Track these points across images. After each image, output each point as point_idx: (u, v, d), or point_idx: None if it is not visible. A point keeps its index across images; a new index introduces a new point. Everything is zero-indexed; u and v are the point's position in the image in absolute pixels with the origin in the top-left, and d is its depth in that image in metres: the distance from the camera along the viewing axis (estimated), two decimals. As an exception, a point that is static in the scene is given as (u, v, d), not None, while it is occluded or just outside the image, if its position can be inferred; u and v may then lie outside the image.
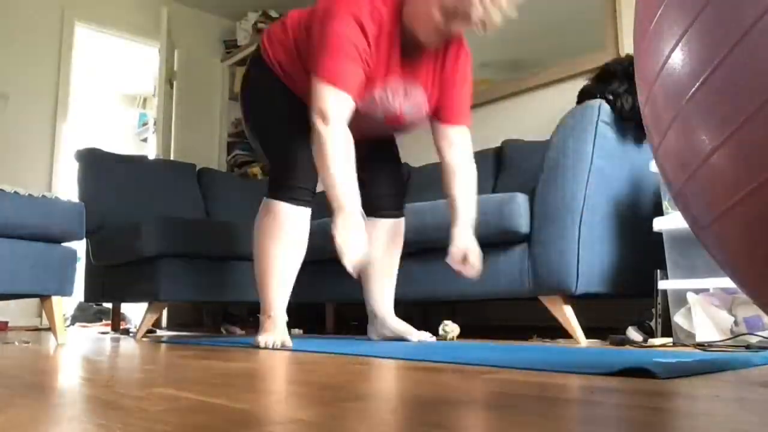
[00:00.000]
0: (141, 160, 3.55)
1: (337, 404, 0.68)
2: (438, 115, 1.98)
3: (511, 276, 2.10)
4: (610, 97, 2.13)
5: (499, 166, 2.99)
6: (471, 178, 2.00)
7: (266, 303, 1.88)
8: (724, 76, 0.52)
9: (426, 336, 2.07)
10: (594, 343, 2.01)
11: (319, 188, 1.92)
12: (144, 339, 2.52)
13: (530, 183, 2.76)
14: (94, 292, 3.14)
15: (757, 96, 0.50)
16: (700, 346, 1.71)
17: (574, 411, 0.64)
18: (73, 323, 4.32)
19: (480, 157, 3.07)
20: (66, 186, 4.25)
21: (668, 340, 1.86)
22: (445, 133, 1.99)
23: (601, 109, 2.02)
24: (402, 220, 2.18)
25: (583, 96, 2.43)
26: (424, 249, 2.33)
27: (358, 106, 1.76)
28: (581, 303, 2.25)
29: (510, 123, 3.30)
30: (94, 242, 3.00)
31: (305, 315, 3.56)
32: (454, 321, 2.44)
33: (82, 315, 4.39)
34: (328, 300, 2.81)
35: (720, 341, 1.72)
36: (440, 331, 2.24)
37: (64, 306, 2.29)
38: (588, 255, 1.99)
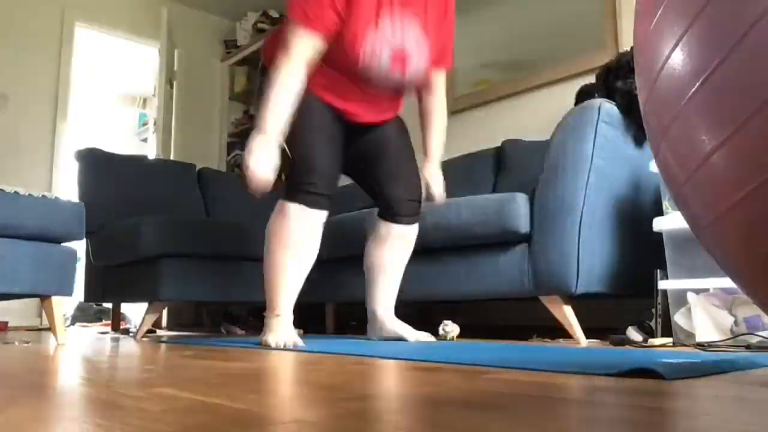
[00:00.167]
0: (141, 160, 3.55)
1: (337, 404, 0.68)
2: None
3: (511, 276, 2.10)
4: (619, 85, 2.14)
5: (499, 166, 2.99)
6: (444, 122, 2.14)
7: (273, 302, 1.88)
8: (724, 76, 0.52)
9: (424, 336, 2.07)
10: (594, 343, 2.01)
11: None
12: (144, 339, 2.52)
13: (530, 183, 2.77)
14: (94, 292, 3.14)
15: (757, 96, 0.50)
16: (700, 346, 1.71)
17: (574, 411, 0.64)
18: (73, 323, 4.32)
19: (480, 157, 3.08)
20: (66, 186, 4.25)
21: (668, 340, 1.86)
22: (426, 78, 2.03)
23: (601, 109, 2.02)
24: (416, 228, 2.16)
25: (582, 96, 2.44)
26: (424, 249, 2.33)
27: (360, 60, 1.83)
28: (581, 303, 2.25)
29: (510, 123, 3.30)
30: (94, 242, 3.00)
31: (305, 315, 3.56)
32: (454, 321, 2.44)
33: (82, 315, 4.39)
34: (328, 300, 2.81)
35: (720, 341, 1.72)
36: (440, 331, 2.24)
37: (64, 306, 2.29)
38: (588, 255, 1.99)
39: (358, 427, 0.55)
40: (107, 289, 3.01)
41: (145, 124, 6.01)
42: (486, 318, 3.12)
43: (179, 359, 1.37)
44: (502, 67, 3.37)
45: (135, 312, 4.25)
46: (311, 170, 1.88)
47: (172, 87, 4.58)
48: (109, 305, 4.00)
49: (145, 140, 5.90)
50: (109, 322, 3.57)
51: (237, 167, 4.97)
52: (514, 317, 3.00)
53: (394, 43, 1.86)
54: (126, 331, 3.27)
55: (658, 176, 2.12)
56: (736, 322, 1.80)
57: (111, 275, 2.97)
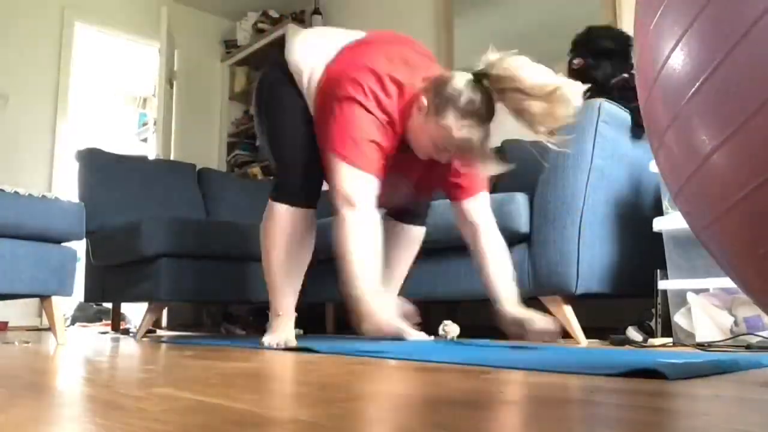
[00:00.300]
0: (141, 160, 3.55)
1: (337, 404, 0.68)
2: (447, 193, 1.94)
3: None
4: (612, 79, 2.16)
5: (499, 166, 2.99)
6: (502, 252, 1.86)
7: (275, 303, 1.89)
8: (724, 76, 0.52)
9: (422, 335, 2.05)
10: (594, 343, 2.01)
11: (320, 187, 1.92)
12: (144, 339, 2.52)
13: (530, 183, 2.77)
14: (94, 292, 3.14)
15: (757, 96, 0.50)
16: (700, 346, 1.71)
17: (574, 411, 0.64)
18: (73, 323, 4.32)
19: (480, 157, 3.08)
20: (66, 186, 4.25)
21: (668, 340, 1.86)
22: (460, 210, 1.91)
23: (601, 108, 2.02)
24: (423, 229, 2.13)
25: (579, 75, 2.43)
26: (424, 249, 2.33)
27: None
28: (581, 303, 2.25)
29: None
30: (94, 242, 3.00)
31: (305, 315, 3.55)
32: (454, 321, 2.44)
33: (82, 315, 4.39)
34: (328, 300, 2.81)
35: (720, 341, 1.72)
36: (440, 331, 2.24)
37: (64, 306, 2.29)
38: (588, 255, 1.99)
39: (357, 427, 0.55)
40: (107, 289, 3.01)
41: (145, 124, 6.01)
42: (486, 318, 3.12)
43: (179, 359, 1.37)
44: (502, 67, 3.36)
45: (135, 312, 4.25)
46: (298, 171, 1.86)
47: (172, 87, 4.58)
48: (109, 305, 4.00)
49: (145, 140, 5.90)
50: (109, 322, 3.56)
51: (237, 167, 4.98)
52: (514, 317, 3.00)
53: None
54: (126, 331, 3.27)
55: (658, 176, 2.12)
56: (736, 322, 1.80)
57: (111, 275, 2.97)
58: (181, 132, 4.80)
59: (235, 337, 2.76)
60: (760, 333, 1.70)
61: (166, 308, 3.99)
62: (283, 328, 1.86)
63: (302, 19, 4.81)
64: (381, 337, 2.00)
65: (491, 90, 1.66)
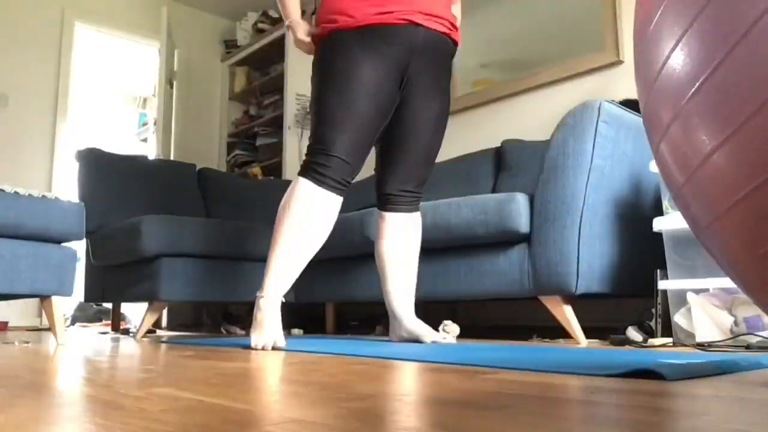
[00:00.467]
0: (141, 160, 3.55)
1: (337, 404, 0.68)
2: None
3: (511, 276, 2.10)
4: None
5: (499, 166, 2.99)
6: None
7: (265, 280, 1.80)
8: (724, 76, 0.52)
9: (439, 337, 1.98)
10: (594, 343, 2.01)
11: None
12: (144, 339, 2.52)
13: (530, 183, 2.77)
14: (94, 292, 3.14)
15: (758, 96, 0.50)
16: (700, 346, 1.71)
17: (574, 411, 0.64)
18: (73, 323, 4.32)
19: (480, 157, 3.08)
20: (66, 186, 4.25)
21: (668, 340, 1.86)
22: None
23: (601, 108, 2.02)
24: (417, 214, 2.08)
25: None
26: (424, 249, 2.33)
27: None
28: (581, 303, 2.25)
29: (510, 123, 3.30)
30: (94, 242, 3.01)
31: (305, 315, 3.56)
32: (454, 321, 2.44)
33: (82, 315, 4.39)
34: (328, 300, 2.81)
35: (720, 341, 1.72)
36: (440, 331, 2.24)
37: (64, 306, 2.29)
38: (588, 255, 1.99)
39: (358, 427, 0.55)
40: (107, 289, 3.01)
41: (145, 124, 6.01)
42: (486, 318, 3.12)
43: (179, 359, 1.37)
44: (502, 67, 3.37)
45: (135, 312, 4.26)
46: (332, 147, 1.80)
47: (172, 87, 4.58)
48: (109, 305, 4.01)
49: (145, 140, 5.91)
50: (109, 322, 3.57)
51: (237, 167, 4.98)
52: (514, 317, 3.00)
53: None
54: (126, 331, 3.27)
55: (658, 176, 2.12)
56: (736, 322, 1.80)
57: (111, 275, 2.97)
58: (181, 132, 4.81)
59: (235, 337, 2.75)
60: (760, 333, 1.70)
61: (166, 308, 3.99)
62: (267, 325, 1.75)
63: (302, 19, 4.81)
64: (404, 339, 1.97)
65: None
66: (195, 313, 4.10)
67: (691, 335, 1.84)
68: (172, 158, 4.34)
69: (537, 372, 1.04)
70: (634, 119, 2.17)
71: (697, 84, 0.55)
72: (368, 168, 3.46)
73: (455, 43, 2.04)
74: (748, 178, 0.53)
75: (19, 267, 2.00)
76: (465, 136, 3.49)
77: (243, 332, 3.29)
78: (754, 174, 0.52)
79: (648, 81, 0.65)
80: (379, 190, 2.07)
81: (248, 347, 1.75)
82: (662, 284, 1.96)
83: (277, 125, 4.68)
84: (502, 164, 2.97)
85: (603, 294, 2.10)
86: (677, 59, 0.58)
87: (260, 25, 4.92)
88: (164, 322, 4.02)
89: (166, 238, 2.55)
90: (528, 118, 3.22)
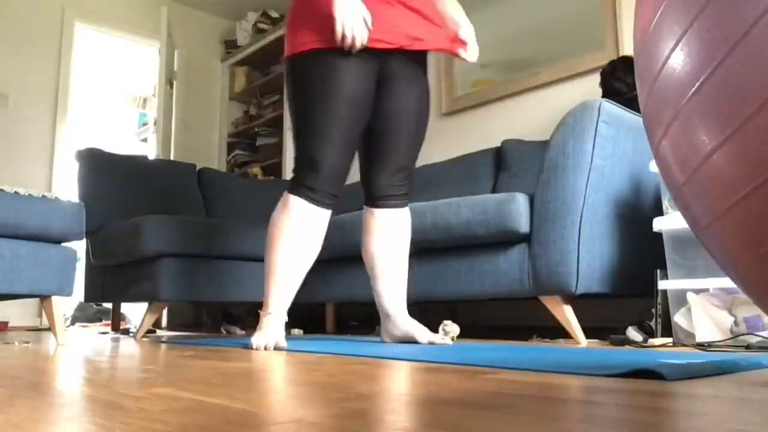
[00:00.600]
0: (141, 160, 3.55)
1: (337, 404, 0.68)
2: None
3: (511, 276, 2.10)
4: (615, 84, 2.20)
5: (499, 166, 2.99)
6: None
7: (267, 300, 1.83)
8: (724, 76, 0.52)
9: (437, 338, 1.99)
10: (594, 343, 2.01)
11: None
12: (144, 339, 2.52)
13: (530, 183, 2.77)
14: (94, 292, 3.14)
15: (758, 96, 0.50)
16: (700, 346, 1.71)
17: (574, 411, 0.64)
18: (73, 323, 4.32)
19: (480, 157, 3.08)
20: (66, 186, 4.25)
21: (668, 340, 1.86)
22: None
23: (601, 108, 2.02)
24: (406, 210, 2.04)
25: (603, 77, 2.55)
26: (425, 249, 2.33)
27: None
28: (581, 303, 2.25)
29: (510, 123, 3.30)
30: (94, 242, 3.01)
31: (305, 315, 3.56)
32: (454, 321, 2.44)
33: (82, 315, 4.40)
34: (328, 300, 2.81)
35: (720, 341, 1.72)
36: (440, 331, 2.24)
37: (64, 306, 2.29)
38: (588, 255, 1.99)
39: (358, 427, 0.55)
40: (107, 289, 3.02)
41: (145, 124, 6.01)
42: (486, 318, 3.12)
43: (179, 359, 1.37)
44: (502, 67, 3.37)
45: (135, 312, 4.26)
46: (319, 163, 1.80)
47: (172, 87, 4.58)
48: (109, 305, 4.01)
49: (145, 140, 5.91)
50: (109, 322, 3.57)
51: (237, 167, 4.98)
52: (514, 317, 3.00)
53: None
54: (126, 331, 3.27)
55: (658, 176, 2.12)
56: (736, 322, 1.80)
57: (111, 275, 2.97)
58: (181, 132, 4.81)
59: (235, 337, 2.75)
60: (760, 333, 1.70)
61: (166, 308, 3.99)
62: (272, 328, 1.79)
63: (302, 19, 4.81)
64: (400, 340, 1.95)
65: None
66: (195, 313, 4.10)
67: (691, 335, 1.84)
68: (172, 158, 4.34)
69: (537, 372, 1.04)
70: (634, 119, 2.17)
71: (697, 84, 0.55)
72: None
73: None
74: (748, 178, 0.53)
75: (19, 267, 2.00)
76: (465, 136, 3.49)
77: (243, 332, 3.29)
78: (754, 174, 0.52)
79: (648, 81, 0.65)
80: (368, 186, 2.03)
81: (248, 347, 1.75)
82: (662, 284, 1.96)
83: (277, 125, 4.68)
84: (502, 164, 2.97)
85: (603, 294, 2.10)
86: (677, 59, 0.58)
87: (260, 25, 4.92)
88: (164, 322, 4.02)
89: (166, 238, 2.55)
90: (528, 118, 3.22)
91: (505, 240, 2.11)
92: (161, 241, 2.54)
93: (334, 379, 0.95)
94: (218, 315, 3.83)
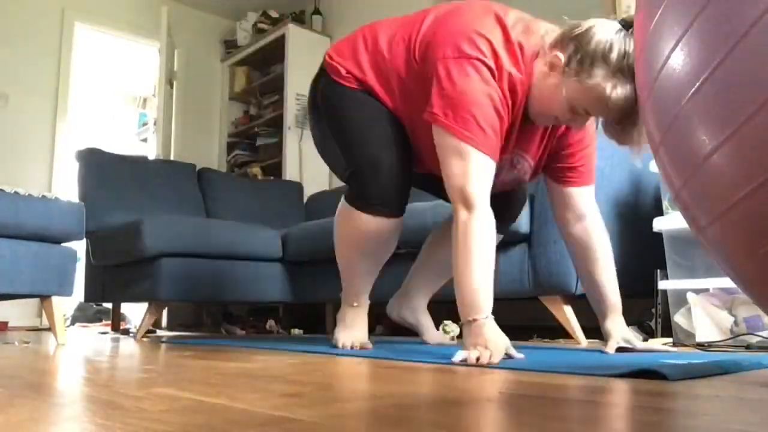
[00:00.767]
0: (141, 160, 3.55)
1: (336, 404, 0.68)
2: (555, 175, 1.64)
3: (511, 276, 2.10)
4: None
5: (499, 166, 2.99)
6: (608, 251, 1.61)
7: (350, 291, 1.72)
8: (724, 76, 0.52)
9: (446, 339, 1.95)
10: (594, 343, 2.01)
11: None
12: (144, 339, 2.52)
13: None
14: (94, 292, 3.14)
15: (757, 96, 0.50)
16: (700, 346, 1.71)
17: (574, 411, 0.64)
18: (73, 323, 4.32)
19: (480, 157, 3.08)
20: (66, 186, 4.25)
21: (668, 340, 1.86)
22: (566, 197, 1.62)
23: (601, 109, 2.02)
24: (500, 237, 1.86)
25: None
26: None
27: None
28: (581, 303, 2.24)
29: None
30: (94, 242, 3.01)
31: (305, 315, 3.56)
32: (454, 321, 2.44)
33: (82, 315, 4.39)
34: (328, 300, 2.81)
35: (720, 341, 1.72)
36: (440, 331, 2.24)
37: (64, 306, 2.29)
38: (588, 255, 1.99)
39: (357, 427, 0.55)
40: (107, 289, 3.02)
41: (145, 124, 6.01)
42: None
43: (179, 359, 1.37)
44: (502, 67, 3.36)
45: (135, 312, 4.25)
46: (384, 172, 1.55)
47: (172, 87, 4.58)
48: (109, 305, 4.00)
49: (145, 140, 5.91)
50: (109, 322, 3.56)
51: (237, 167, 4.98)
52: (514, 317, 3.00)
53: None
54: (126, 331, 3.27)
55: (658, 176, 2.12)
56: (736, 322, 1.80)
57: (111, 275, 2.97)
58: (181, 132, 4.80)
59: (235, 337, 2.76)
60: (760, 333, 1.70)
61: (166, 308, 3.99)
62: (358, 324, 1.71)
63: (302, 20, 4.82)
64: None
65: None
66: (195, 313, 4.10)
67: (691, 335, 1.84)
68: (172, 158, 4.34)
69: (537, 372, 1.04)
70: (634, 119, 2.17)
71: (697, 84, 0.55)
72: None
73: None
74: (748, 178, 0.53)
75: (19, 267, 2.00)
76: (465, 136, 3.48)
77: (243, 332, 3.29)
78: (754, 174, 0.52)
79: (648, 81, 0.65)
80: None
81: (334, 349, 1.67)
82: (662, 284, 1.96)
83: (277, 125, 4.67)
84: (502, 164, 2.97)
85: (603, 294, 2.10)
86: (677, 59, 0.58)
87: (260, 25, 4.92)
88: (164, 322, 4.02)
89: (166, 238, 2.55)
90: (528, 118, 3.21)
91: (505, 240, 2.10)
92: (161, 241, 2.54)
93: (334, 379, 0.95)
94: (218, 315, 3.83)
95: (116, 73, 6.05)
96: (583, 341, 2.01)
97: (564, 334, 2.10)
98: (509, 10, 1.52)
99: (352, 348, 1.65)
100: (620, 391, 0.79)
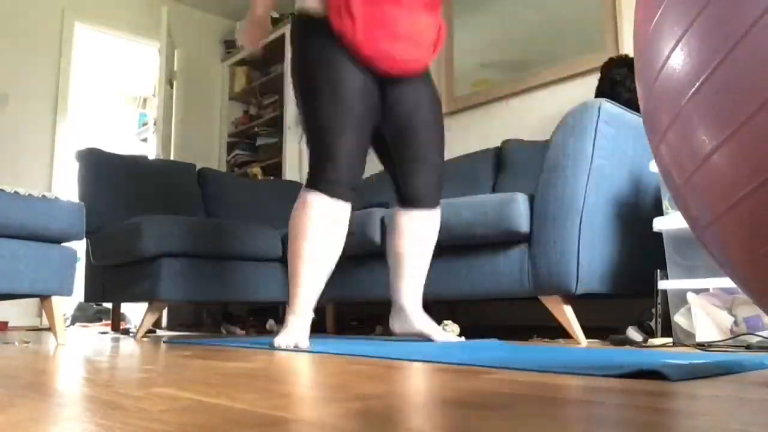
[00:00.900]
0: (141, 160, 3.55)
1: (337, 404, 0.68)
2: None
3: (511, 276, 2.10)
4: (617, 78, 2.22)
5: (499, 166, 2.99)
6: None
7: (293, 300, 1.81)
8: (724, 76, 0.52)
9: (452, 337, 1.97)
10: (594, 343, 2.01)
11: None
12: (144, 339, 2.52)
13: (530, 183, 2.77)
14: (94, 292, 3.14)
15: (757, 96, 0.50)
16: (700, 346, 1.71)
17: (574, 411, 0.64)
18: (73, 323, 4.32)
19: (480, 157, 3.08)
20: (66, 186, 4.25)
21: (668, 340, 1.86)
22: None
23: (601, 108, 2.02)
24: (437, 211, 2.05)
25: (601, 81, 2.56)
26: (424, 249, 2.33)
27: None
28: (581, 303, 2.25)
29: (510, 123, 3.30)
30: (94, 242, 3.01)
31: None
32: (454, 321, 2.44)
33: (82, 315, 4.40)
34: (328, 300, 2.81)
35: (720, 341, 1.72)
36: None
37: (64, 306, 2.29)
38: (588, 255, 1.99)
39: (358, 427, 0.55)
40: (107, 289, 3.02)
41: (145, 124, 6.01)
42: (486, 318, 3.12)
43: (179, 359, 1.37)
44: (502, 67, 3.37)
45: (135, 312, 4.26)
46: (334, 154, 1.77)
47: (172, 87, 4.58)
48: (109, 305, 4.00)
49: (145, 140, 5.91)
50: (109, 322, 3.57)
51: (237, 167, 4.98)
52: (514, 317, 3.00)
53: None
54: (126, 331, 3.27)
55: (658, 176, 2.12)
56: (736, 322, 1.80)
57: (111, 275, 2.97)
58: (181, 132, 4.80)
59: (235, 337, 2.76)
60: (760, 333, 1.70)
61: (166, 308, 3.99)
62: (297, 328, 1.78)
63: (302, 19, 4.81)
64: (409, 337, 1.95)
65: None
66: (195, 313, 4.10)
67: (691, 335, 1.84)
68: (172, 158, 4.34)
69: (537, 372, 1.04)
70: (634, 119, 2.17)
71: (697, 84, 0.55)
72: (367, 170, 3.45)
73: None
74: (748, 178, 0.53)
75: (19, 267, 2.00)
76: (465, 136, 3.49)
77: (243, 332, 3.29)
78: (754, 174, 0.52)
79: (648, 81, 0.65)
80: (404, 186, 2.02)
81: (269, 346, 1.75)
82: (662, 284, 1.96)
83: (277, 125, 4.68)
84: (502, 164, 2.97)
85: (603, 294, 2.10)
86: (677, 59, 0.58)
87: (260, 25, 4.92)
88: (164, 322, 4.02)
89: (166, 238, 2.55)
90: (528, 118, 3.22)
91: (505, 240, 2.11)
92: (161, 241, 2.54)
93: (334, 379, 0.95)
94: (218, 315, 3.83)
95: (116, 73, 6.05)
96: (583, 341, 2.01)
97: (564, 334, 2.11)
98: None
99: (286, 347, 1.70)
100: (620, 391, 0.79)
